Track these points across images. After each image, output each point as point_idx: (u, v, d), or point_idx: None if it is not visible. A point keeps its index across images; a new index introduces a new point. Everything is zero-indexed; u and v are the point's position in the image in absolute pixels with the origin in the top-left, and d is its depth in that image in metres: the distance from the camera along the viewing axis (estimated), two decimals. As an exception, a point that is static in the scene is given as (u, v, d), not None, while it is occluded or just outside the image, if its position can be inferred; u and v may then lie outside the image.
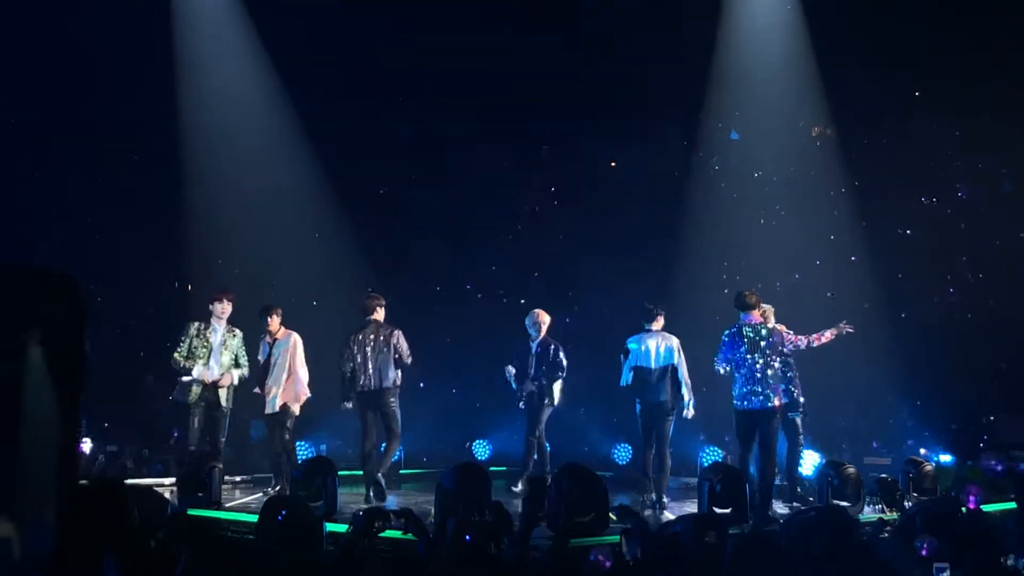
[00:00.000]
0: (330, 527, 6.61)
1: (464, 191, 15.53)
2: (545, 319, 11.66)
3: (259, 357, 11.24)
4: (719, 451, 13.01)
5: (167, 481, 11.41)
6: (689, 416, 10.80)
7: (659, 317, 10.94)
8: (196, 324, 10.77)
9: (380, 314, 11.11)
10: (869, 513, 9.43)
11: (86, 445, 12.96)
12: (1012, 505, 8.30)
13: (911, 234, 14.41)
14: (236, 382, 10.95)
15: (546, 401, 11.53)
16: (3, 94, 13.47)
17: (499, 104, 14.93)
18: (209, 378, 10.65)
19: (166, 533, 5.74)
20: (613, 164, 15.70)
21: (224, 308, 10.87)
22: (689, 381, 10.76)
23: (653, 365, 10.72)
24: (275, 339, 11.14)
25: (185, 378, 10.58)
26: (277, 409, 11.05)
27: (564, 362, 11.59)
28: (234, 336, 10.96)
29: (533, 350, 11.61)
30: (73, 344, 2.52)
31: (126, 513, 5.67)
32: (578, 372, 14.72)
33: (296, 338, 11.31)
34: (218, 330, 10.82)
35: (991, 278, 13.91)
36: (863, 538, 6.56)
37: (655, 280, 14.49)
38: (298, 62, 14.58)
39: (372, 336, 10.92)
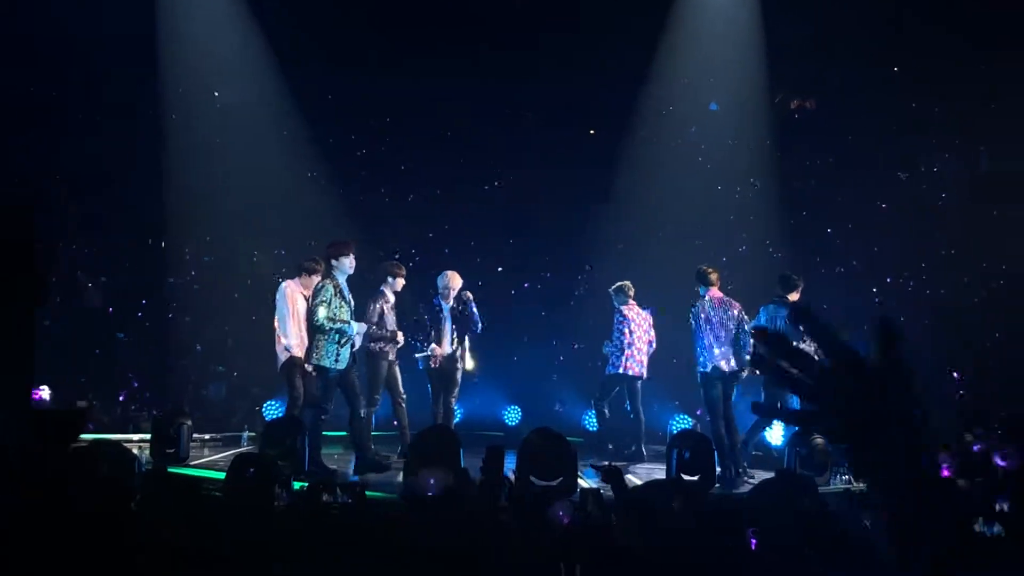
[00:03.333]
0: (298, 486, 6.63)
1: (443, 155, 15.54)
2: (458, 282, 11.66)
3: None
4: (689, 419, 13.08)
5: (135, 437, 11.44)
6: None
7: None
8: (331, 283, 10.00)
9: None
10: (836, 484, 9.51)
11: (44, 393, 12.89)
12: None
13: (886, 208, 14.46)
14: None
15: (459, 364, 11.71)
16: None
17: (478, 70, 14.89)
18: (358, 341, 10.21)
19: (145, 494, 5.73)
20: (592, 132, 15.65)
21: (352, 262, 10.18)
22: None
23: None
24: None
25: (343, 343, 9.94)
26: None
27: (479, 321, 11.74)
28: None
29: (445, 311, 11.62)
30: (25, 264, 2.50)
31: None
32: (551, 340, 14.82)
33: None
34: (346, 287, 10.15)
35: (964, 254, 13.95)
36: (826, 507, 6.61)
37: (631, 248, 14.58)
38: (283, 24, 14.45)
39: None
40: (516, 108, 15.62)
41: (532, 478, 8.17)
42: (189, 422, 10.06)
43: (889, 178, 14.49)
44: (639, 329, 11.96)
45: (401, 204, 15.54)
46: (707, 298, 10.58)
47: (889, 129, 14.19)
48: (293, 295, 10.81)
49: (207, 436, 12.28)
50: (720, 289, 10.71)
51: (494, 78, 14.84)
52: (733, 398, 10.59)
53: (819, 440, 9.66)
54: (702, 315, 10.48)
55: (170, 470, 8.52)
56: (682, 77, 14.85)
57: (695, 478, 8.80)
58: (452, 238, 15.32)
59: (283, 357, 10.92)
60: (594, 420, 14.14)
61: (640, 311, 12.06)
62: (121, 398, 13.97)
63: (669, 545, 5.26)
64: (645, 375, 12.06)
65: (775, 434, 12.15)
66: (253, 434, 12.39)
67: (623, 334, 11.90)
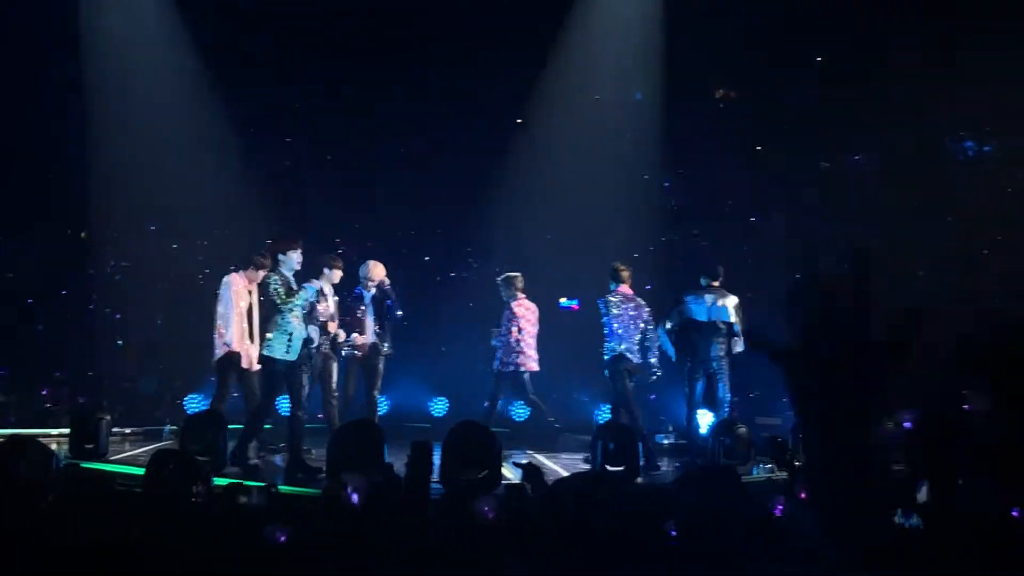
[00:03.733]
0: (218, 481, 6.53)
1: (369, 145, 15.42)
2: (380, 272, 11.59)
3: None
4: (617, 409, 13.11)
5: (54, 432, 11.24)
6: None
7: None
8: (278, 277, 9.85)
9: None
10: (759, 473, 9.59)
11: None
12: None
13: (811, 197, 14.59)
14: None
15: (386, 350, 11.66)
16: None
17: (405, 57, 14.80)
18: (315, 335, 10.18)
19: (58, 492, 5.59)
20: (520, 121, 15.62)
21: (299, 257, 10.05)
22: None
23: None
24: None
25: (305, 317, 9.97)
26: None
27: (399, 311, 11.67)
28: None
29: (367, 300, 11.57)
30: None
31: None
32: (478, 329, 14.78)
33: None
34: (294, 282, 10.02)
35: (888, 245, 14.13)
36: (749, 497, 6.66)
37: (558, 238, 14.60)
38: (206, 15, 14.30)
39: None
40: (443, 97, 15.53)
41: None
42: (108, 416, 9.87)
43: (813, 166, 14.65)
44: (528, 324, 12.02)
45: (326, 194, 15.37)
46: (617, 292, 10.98)
47: (812, 118, 14.32)
48: (238, 288, 10.68)
49: (128, 430, 12.09)
50: (631, 287, 11.06)
51: (421, 66, 14.81)
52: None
53: (743, 430, 9.77)
54: (612, 304, 10.93)
55: (88, 466, 8.38)
56: (605, 66, 14.88)
57: (620, 469, 8.82)
58: (377, 228, 15.21)
59: (221, 351, 10.75)
60: (521, 412, 14.17)
61: (529, 304, 12.11)
62: (44, 392, 13.71)
63: (593, 535, 5.27)
64: (537, 367, 12.10)
65: (702, 423, 12.26)
66: (175, 428, 12.20)
67: (510, 332, 11.94)
